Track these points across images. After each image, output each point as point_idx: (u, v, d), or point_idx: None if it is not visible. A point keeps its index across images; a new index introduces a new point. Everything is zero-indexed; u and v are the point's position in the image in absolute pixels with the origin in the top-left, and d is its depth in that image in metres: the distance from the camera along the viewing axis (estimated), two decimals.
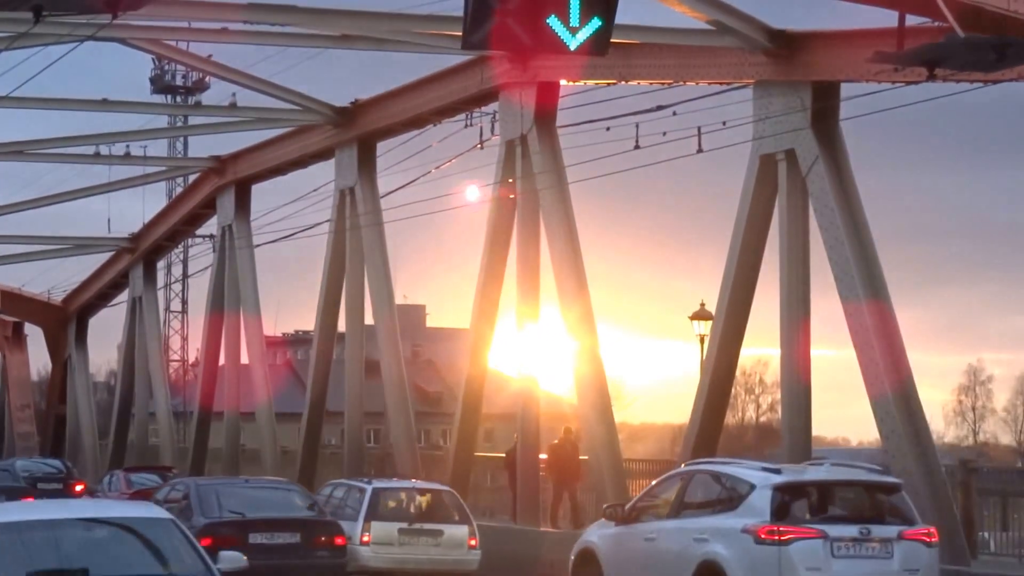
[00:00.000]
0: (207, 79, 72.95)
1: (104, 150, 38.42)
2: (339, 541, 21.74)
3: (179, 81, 77.05)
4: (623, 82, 27.78)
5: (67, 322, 55.41)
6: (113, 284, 52.36)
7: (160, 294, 60.93)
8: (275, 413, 40.15)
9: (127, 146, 38.86)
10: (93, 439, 53.28)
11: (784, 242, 24.96)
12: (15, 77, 29.94)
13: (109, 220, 45.63)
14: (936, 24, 18.81)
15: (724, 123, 24.53)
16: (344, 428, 36.18)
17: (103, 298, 54.24)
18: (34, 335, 59.31)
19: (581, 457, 30.40)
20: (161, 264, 59.05)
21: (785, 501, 16.98)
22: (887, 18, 19.81)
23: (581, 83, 29.05)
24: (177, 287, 76.04)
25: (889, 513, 17.33)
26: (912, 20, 18.79)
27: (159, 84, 76.80)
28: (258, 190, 41.66)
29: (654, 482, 20.24)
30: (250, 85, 33.12)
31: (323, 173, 38.20)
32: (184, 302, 77.53)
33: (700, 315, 36.79)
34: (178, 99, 74.46)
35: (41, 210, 45.63)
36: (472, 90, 31.20)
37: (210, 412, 43.48)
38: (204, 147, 49.79)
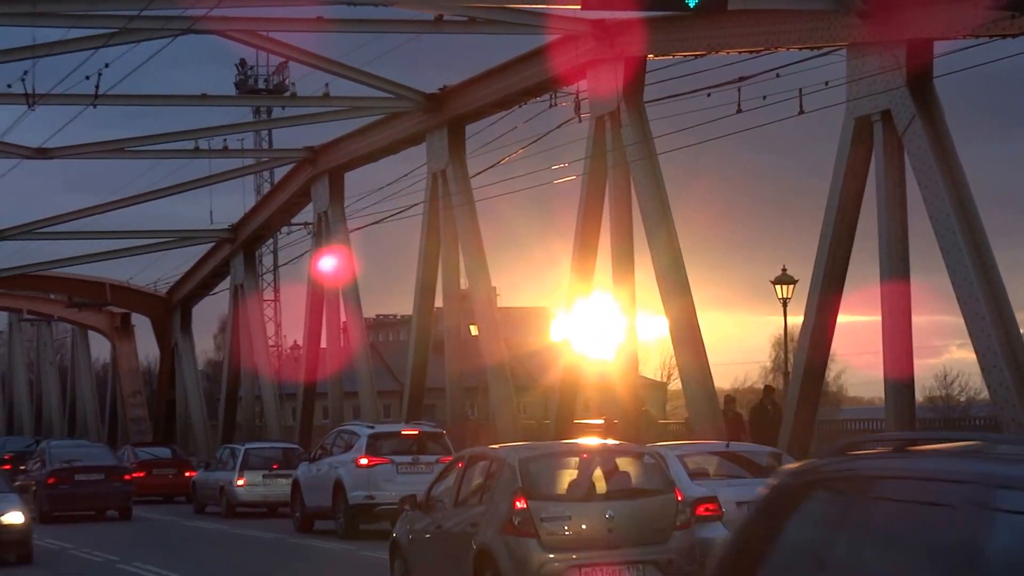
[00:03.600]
0: (287, 81, 72.14)
1: (203, 145, 37.51)
2: (127, 477, 34.52)
3: (261, 85, 76.15)
4: (712, 53, 26.35)
5: (172, 311, 54.67)
6: (214, 273, 51.42)
7: None
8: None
9: (224, 140, 37.90)
10: (203, 421, 52.53)
11: (882, 204, 23.45)
12: (109, 77, 28.89)
13: (211, 212, 45.25)
14: None
15: (827, 83, 23.06)
16: (447, 402, 35.23)
17: (205, 287, 53.37)
18: (140, 326, 59.09)
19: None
20: None
21: (374, 443, 27.08)
22: None
23: (669, 56, 27.63)
24: (269, 277, 75.17)
25: (434, 448, 26.98)
26: None
27: (243, 88, 75.85)
28: (346, 178, 40.70)
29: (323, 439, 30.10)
30: (343, 74, 31.87)
31: (407, 161, 37.31)
32: (276, 291, 76.70)
33: (782, 279, 35.32)
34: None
35: (137, 208, 45.06)
36: (559, 69, 29.83)
37: (314, 392, 42.84)
38: (289, 140, 48.86)
